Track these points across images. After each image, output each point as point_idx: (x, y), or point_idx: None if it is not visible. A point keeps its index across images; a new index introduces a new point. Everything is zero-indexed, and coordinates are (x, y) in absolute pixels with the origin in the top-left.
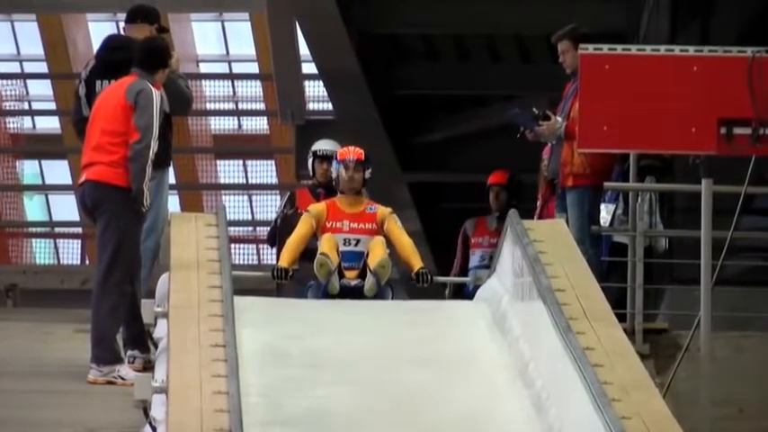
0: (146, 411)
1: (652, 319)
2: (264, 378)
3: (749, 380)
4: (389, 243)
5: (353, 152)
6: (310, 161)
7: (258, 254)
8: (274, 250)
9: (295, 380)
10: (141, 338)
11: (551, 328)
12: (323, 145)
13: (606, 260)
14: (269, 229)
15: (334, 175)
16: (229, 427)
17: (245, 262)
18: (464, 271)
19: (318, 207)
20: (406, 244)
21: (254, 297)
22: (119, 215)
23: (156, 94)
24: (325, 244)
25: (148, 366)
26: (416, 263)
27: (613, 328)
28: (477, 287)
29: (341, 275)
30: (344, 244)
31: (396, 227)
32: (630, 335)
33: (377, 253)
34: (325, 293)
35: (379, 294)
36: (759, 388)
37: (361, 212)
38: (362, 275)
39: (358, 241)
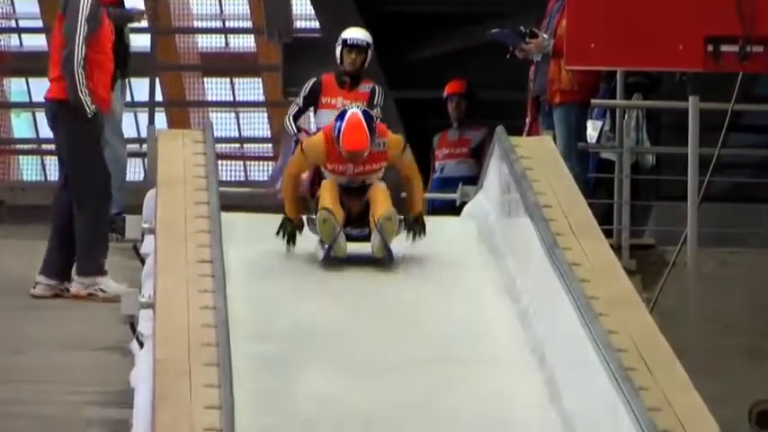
0: (133, 327)
1: (639, 235)
2: (251, 293)
3: (735, 295)
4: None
5: (359, 141)
6: (339, 49)
7: (245, 171)
8: (293, 131)
9: (282, 295)
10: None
11: (538, 243)
12: (353, 33)
13: (593, 176)
14: (293, 110)
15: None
16: (216, 341)
17: (233, 179)
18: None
19: (316, 149)
20: (415, 185)
21: (241, 213)
22: (69, 130)
23: (85, 0)
24: (327, 194)
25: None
26: (417, 207)
27: (600, 243)
28: (464, 203)
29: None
30: (348, 182)
31: (408, 162)
32: (617, 250)
33: (380, 205)
34: (330, 255)
35: (387, 256)
36: (745, 303)
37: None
38: (364, 215)
39: (363, 180)
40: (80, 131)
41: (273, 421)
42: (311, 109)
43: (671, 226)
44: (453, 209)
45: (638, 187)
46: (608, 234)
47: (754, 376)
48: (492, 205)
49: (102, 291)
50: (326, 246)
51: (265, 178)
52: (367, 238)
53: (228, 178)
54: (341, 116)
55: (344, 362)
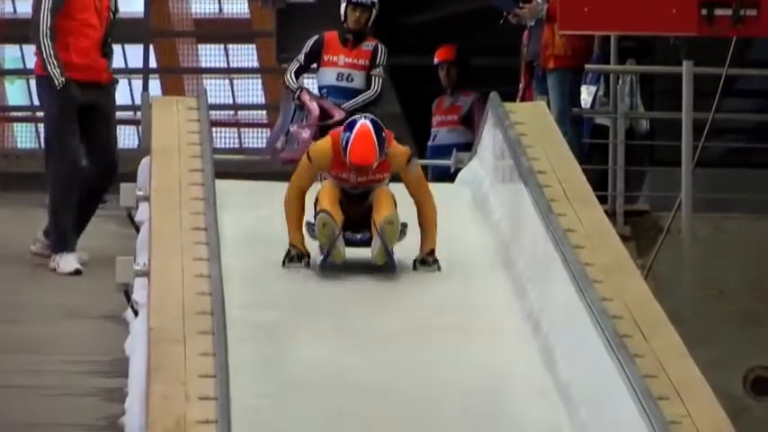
0: (127, 295)
1: (633, 201)
2: (246, 261)
3: (730, 261)
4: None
5: (367, 154)
6: (343, 6)
7: (239, 138)
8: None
9: (276, 262)
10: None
11: (532, 209)
12: None
13: (587, 142)
14: (294, 66)
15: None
16: (211, 309)
17: (227, 146)
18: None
19: (323, 154)
20: (427, 213)
21: (235, 180)
22: (46, 103)
23: None
24: (327, 196)
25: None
26: (430, 242)
27: (594, 209)
28: (458, 170)
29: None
30: (351, 188)
31: (415, 178)
32: (611, 216)
33: (383, 208)
34: (328, 261)
35: (389, 263)
36: (740, 269)
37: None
38: (366, 218)
39: (365, 188)
40: (51, 106)
41: (269, 389)
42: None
43: (665, 191)
44: (447, 176)
45: (633, 153)
46: (602, 200)
47: (748, 342)
48: (486, 172)
49: (55, 269)
50: (324, 251)
51: (260, 145)
52: (367, 243)
53: (223, 145)
54: (350, 126)
55: (340, 329)
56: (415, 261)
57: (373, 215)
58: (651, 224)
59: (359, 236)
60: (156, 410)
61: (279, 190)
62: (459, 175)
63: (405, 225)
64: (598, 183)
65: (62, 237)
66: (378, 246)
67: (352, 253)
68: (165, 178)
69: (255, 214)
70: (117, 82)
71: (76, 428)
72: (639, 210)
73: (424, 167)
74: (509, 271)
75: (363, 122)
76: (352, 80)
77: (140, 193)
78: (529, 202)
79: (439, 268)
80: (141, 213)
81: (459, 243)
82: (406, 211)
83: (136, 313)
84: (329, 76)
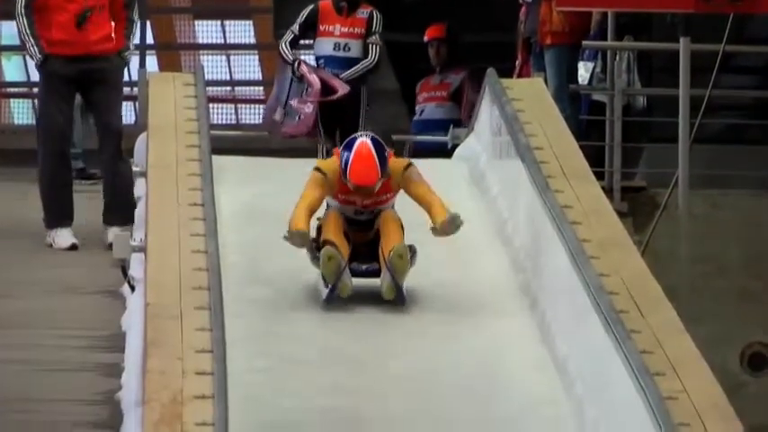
0: (124, 270)
1: (630, 178)
2: (243, 237)
3: (727, 237)
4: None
5: (368, 174)
6: None
7: (236, 114)
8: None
9: (274, 238)
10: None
11: (529, 186)
12: None
13: (584, 118)
14: (289, 37)
15: None
16: (208, 285)
17: (224, 122)
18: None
19: (333, 174)
20: (430, 197)
21: (232, 156)
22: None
23: None
24: (331, 227)
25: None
26: (441, 214)
27: (591, 186)
28: (455, 146)
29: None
30: (355, 213)
31: (414, 179)
32: (608, 193)
33: (391, 238)
34: (334, 295)
35: (398, 298)
36: (737, 245)
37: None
38: (373, 246)
39: (372, 211)
40: (39, 82)
41: (265, 364)
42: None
43: (662, 168)
44: (436, 152)
45: (630, 129)
46: (599, 176)
47: (745, 318)
48: (483, 148)
49: (51, 244)
50: (330, 285)
51: (257, 121)
52: (375, 274)
53: (220, 121)
54: (349, 145)
55: (335, 306)
56: (415, 254)
57: (381, 245)
58: (648, 200)
59: (365, 266)
60: (153, 385)
61: (276, 166)
62: (457, 151)
63: (414, 252)
64: (595, 159)
65: (56, 213)
66: (387, 281)
67: (358, 282)
68: (162, 154)
69: (252, 190)
70: (127, 49)
71: (72, 403)
72: (636, 186)
73: (416, 143)
74: (506, 247)
75: (363, 141)
76: (349, 49)
77: (137, 168)
78: (526, 178)
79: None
80: (139, 189)
81: None
82: (412, 218)
83: (133, 289)
84: (326, 46)
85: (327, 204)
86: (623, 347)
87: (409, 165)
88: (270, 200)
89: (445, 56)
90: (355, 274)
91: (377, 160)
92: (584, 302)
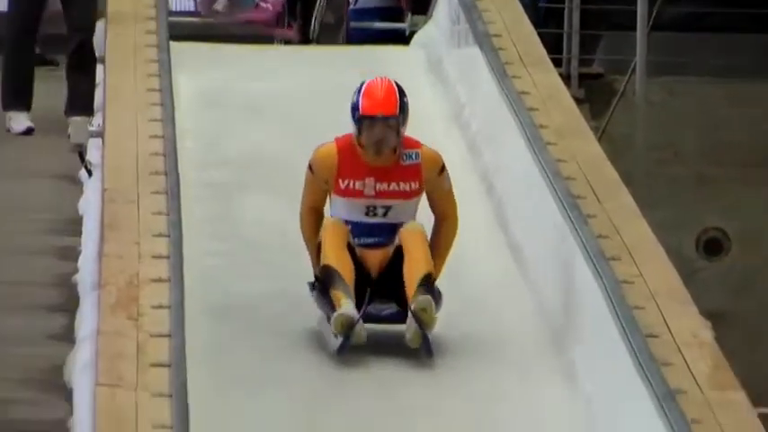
0: (81, 156)
1: (588, 64)
2: (200, 122)
3: (684, 124)
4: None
5: (383, 102)
6: None
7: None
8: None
9: (231, 123)
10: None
11: (487, 72)
12: None
13: (543, 6)
14: None
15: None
16: (165, 169)
17: (183, 9)
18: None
19: (327, 159)
20: (447, 232)
21: (191, 42)
22: None
23: None
24: (330, 242)
25: None
26: (436, 264)
27: (549, 72)
28: (413, 33)
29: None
30: (367, 214)
31: (446, 191)
32: (566, 79)
33: (417, 266)
34: (347, 345)
35: (425, 348)
36: (694, 132)
37: (393, 165)
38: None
39: (388, 209)
40: None
41: (221, 247)
42: None
43: (620, 55)
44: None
45: (588, 16)
46: (557, 63)
47: (701, 203)
48: (441, 35)
49: (9, 129)
50: (341, 337)
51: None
52: (397, 318)
53: (178, 8)
54: (359, 88)
55: (292, 188)
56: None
57: (406, 278)
58: (605, 87)
59: (385, 310)
60: (110, 269)
61: (235, 52)
62: (415, 37)
63: (440, 295)
64: (553, 46)
65: (12, 94)
66: (413, 329)
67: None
68: (120, 41)
69: (210, 75)
70: None
71: (29, 286)
72: (594, 73)
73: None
74: (464, 131)
75: (377, 77)
76: None
77: (97, 54)
78: (484, 65)
79: (439, 304)
80: (98, 75)
81: (414, 105)
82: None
83: (90, 173)
84: None
85: (331, 204)
86: (579, 232)
87: (444, 167)
88: (228, 85)
89: None
90: (371, 318)
91: (395, 88)
92: (540, 187)
